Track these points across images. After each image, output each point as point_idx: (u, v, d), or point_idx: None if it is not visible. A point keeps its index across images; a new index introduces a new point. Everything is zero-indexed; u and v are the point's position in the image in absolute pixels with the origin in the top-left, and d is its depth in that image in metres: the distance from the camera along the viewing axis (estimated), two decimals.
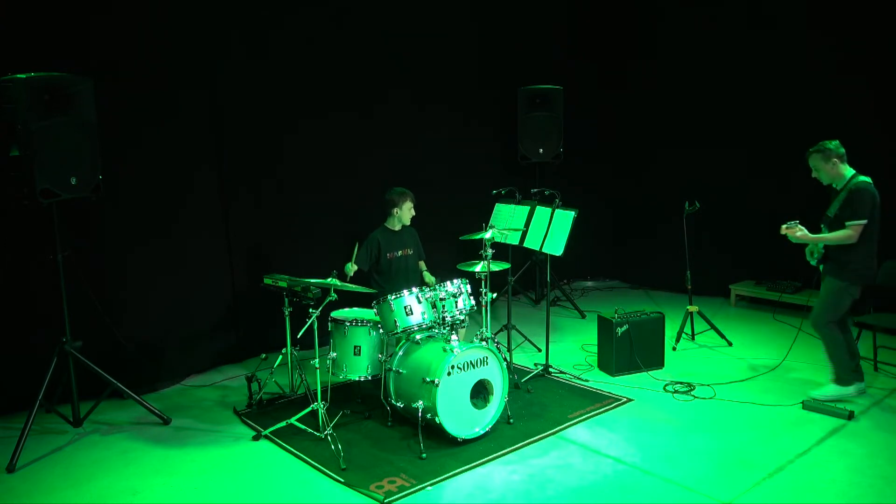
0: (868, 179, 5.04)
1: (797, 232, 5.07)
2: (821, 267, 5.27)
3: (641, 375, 5.80)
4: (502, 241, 5.72)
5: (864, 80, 6.76)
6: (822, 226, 5.16)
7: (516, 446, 4.66)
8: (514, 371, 5.64)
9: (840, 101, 6.90)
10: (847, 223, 4.95)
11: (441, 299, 4.96)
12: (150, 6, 5.49)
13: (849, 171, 5.10)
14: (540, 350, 6.32)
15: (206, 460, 4.60)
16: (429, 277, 5.94)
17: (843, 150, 5.09)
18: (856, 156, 5.64)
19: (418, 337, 4.96)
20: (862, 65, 6.76)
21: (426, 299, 4.96)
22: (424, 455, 4.50)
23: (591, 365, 6.11)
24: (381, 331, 5.09)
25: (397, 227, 5.85)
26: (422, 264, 6.06)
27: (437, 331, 5.02)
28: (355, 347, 5.10)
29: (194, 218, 5.91)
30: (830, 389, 5.24)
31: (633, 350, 5.83)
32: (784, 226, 5.14)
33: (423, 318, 4.93)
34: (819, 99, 7.02)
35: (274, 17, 6.10)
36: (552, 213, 5.77)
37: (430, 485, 4.22)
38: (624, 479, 4.27)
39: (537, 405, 5.27)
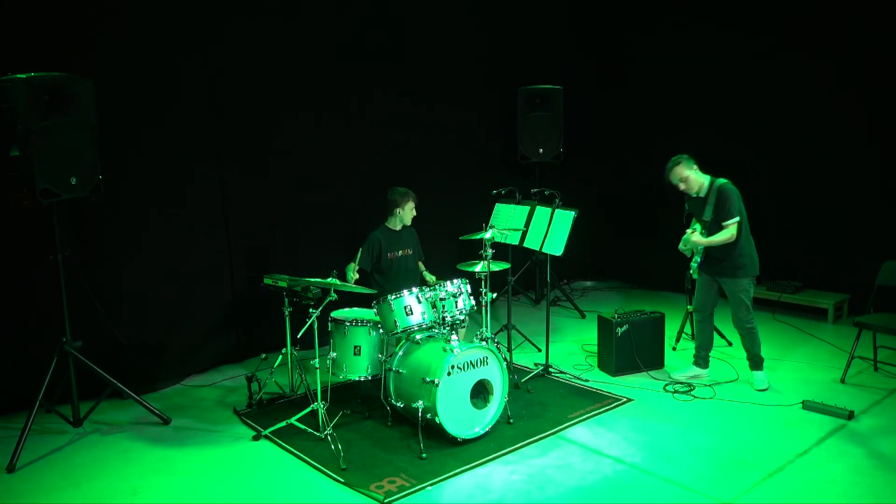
0: (727, 181, 5.30)
1: (695, 237, 5.36)
2: (694, 268, 5.67)
3: (641, 375, 5.80)
4: (502, 241, 5.71)
5: (863, 81, 6.77)
6: (702, 231, 5.41)
7: (516, 446, 4.66)
8: (514, 371, 5.64)
9: (837, 98, 6.92)
10: (723, 223, 5.19)
11: (441, 299, 4.95)
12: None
13: (707, 177, 5.37)
14: (540, 350, 6.32)
15: (206, 460, 4.60)
16: (429, 276, 5.93)
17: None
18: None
19: (418, 337, 4.95)
20: (860, 69, 6.77)
21: (426, 299, 4.96)
22: (424, 455, 4.50)
23: (591, 365, 6.11)
24: (381, 331, 5.09)
25: (398, 227, 5.85)
26: (421, 265, 6.06)
27: (437, 331, 5.02)
28: (355, 347, 5.10)
29: (194, 217, 5.90)
30: (762, 378, 5.50)
31: (633, 350, 5.82)
32: (682, 245, 5.46)
33: (423, 318, 4.93)
34: (818, 98, 7.02)
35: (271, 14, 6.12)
36: (552, 213, 5.77)
37: (431, 485, 4.23)
38: (624, 479, 4.28)
39: (537, 405, 5.27)
